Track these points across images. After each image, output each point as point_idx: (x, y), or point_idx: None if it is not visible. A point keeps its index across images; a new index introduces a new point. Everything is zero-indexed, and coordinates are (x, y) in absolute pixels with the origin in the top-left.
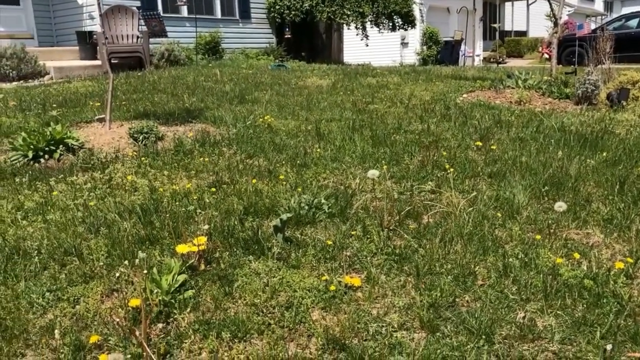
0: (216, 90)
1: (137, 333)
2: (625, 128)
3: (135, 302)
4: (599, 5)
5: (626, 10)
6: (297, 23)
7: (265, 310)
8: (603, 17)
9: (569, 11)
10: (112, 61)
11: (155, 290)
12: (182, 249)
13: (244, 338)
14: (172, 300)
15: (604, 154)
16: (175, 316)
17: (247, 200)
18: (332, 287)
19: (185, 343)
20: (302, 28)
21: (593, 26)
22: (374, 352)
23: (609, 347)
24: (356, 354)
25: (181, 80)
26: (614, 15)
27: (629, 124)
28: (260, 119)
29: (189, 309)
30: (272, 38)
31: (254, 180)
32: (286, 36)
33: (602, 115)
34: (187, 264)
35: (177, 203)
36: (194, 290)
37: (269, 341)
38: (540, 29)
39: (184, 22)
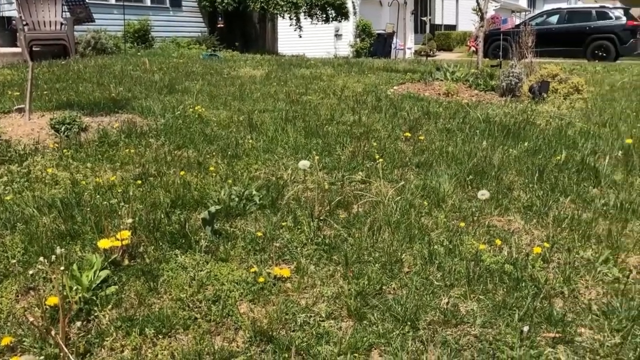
0: (145, 79)
1: (54, 332)
2: (545, 119)
3: (53, 300)
4: (523, 2)
5: (548, 7)
6: (230, 12)
7: (191, 305)
8: (527, 12)
9: (495, 6)
10: (34, 49)
11: (75, 287)
12: (104, 244)
13: (169, 334)
14: (94, 297)
15: (525, 143)
16: (97, 313)
17: (175, 193)
18: (261, 279)
19: (107, 341)
20: (235, 17)
21: (517, 21)
22: (302, 342)
23: (525, 328)
24: (283, 345)
25: (108, 69)
26: (537, 12)
27: (548, 115)
28: (191, 109)
29: (111, 306)
30: (204, 27)
31: (183, 172)
32: (219, 25)
33: (524, 107)
34: (110, 260)
35: (100, 196)
36: (117, 287)
37: (195, 336)
38: (469, 23)
39: (112, 9)
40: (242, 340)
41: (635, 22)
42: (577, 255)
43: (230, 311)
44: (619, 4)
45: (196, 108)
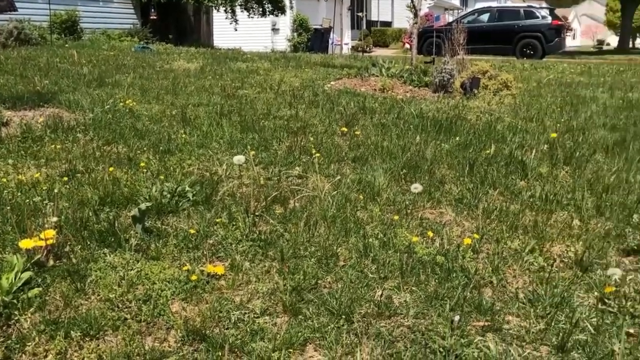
0: (73, 72)
1: None
2: (476, 114)
3: None
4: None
5: (479, 5)
6: (163, 4)
7: (121, 305)
8: (459, 10)
9: (429, 4)
10: None
11: None
12: (26, 244)
13: (97, 336)
14: (14, 301)
15: (457, 138)
16: (17, 317)
17: (104, 190)
18: (194, 277)
19: (29, 346)
20: (169, 9)
21: (450, 19)
22: (236, 339)
23: (456, 318)
24: (216, 343)
25: (32, 61)
26: (469, 10)
27: (479, 110)
28: (121, 104)
29: (33, 309)
30: (137, 19)
31: (112, 169)
32: (152, 17)
33: (456, 103)
34: (34, 260)
35: (22, 195)
36: (40, 289)
37: (125, 337)
38: (404, 20)
39: None
40: (174, 340)
41: (560, 22)
42: (505, 246)
43: (161, 310)
44: (544, 4)
45: (127, 102)
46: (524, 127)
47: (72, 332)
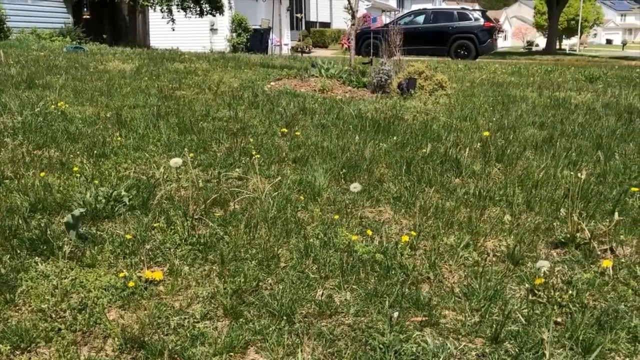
0: None
1: None
2: (413, 114)
3: None
4: (392, 1)
5: (416, 7)
6: (96, 3)
7: (54, 315)
8: (396, 12)
9: (367, 5)
10: None
11: None
12: None
13: (28, 348)
14: None
15: (395, 138)
16: None
17: (35, 196)
18: (131, 284)
19: None
20: (103, 8)
21: (387, 20)
22: (175, 345)
23: (395, 314)
24: (156, 350)
25: None
26: (405, 11)
27: (415, 110)
28: (53, 106)
29: None
30: (69, 18)
31: (43, 174)
32: (85, 16)
33: (393, 103)
34: None
35: None
36: None
37: (59, 348)
38: (342, 21)
39: None
40: (111, 348)
41: (491, 24)
42: (441, 242)
43: (98, 319)
44: (477, 6)
45: (59, 104)
46: (458, 126)
47: (1, 345)
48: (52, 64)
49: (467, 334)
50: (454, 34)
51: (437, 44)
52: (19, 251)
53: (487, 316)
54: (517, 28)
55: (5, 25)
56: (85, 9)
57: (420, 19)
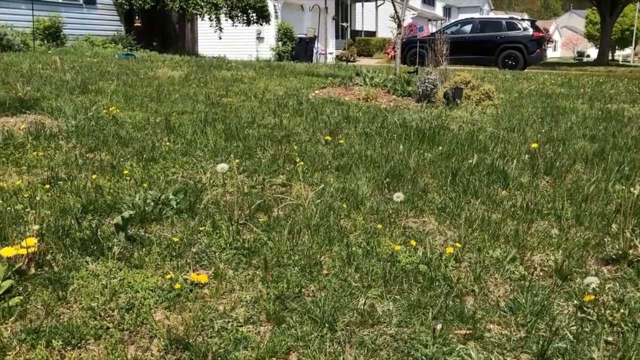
0: (55, 79)
1: None
2: (459, 124)
3: None
4: (439, 10)
5: (463, 16)
6: (147, 11)
7: (103, 314)
8: (442, 21)
9: (412, 14)
10: None
11: None
12: (7, 252)
13: (79, 345)
14: None
15: (440, 147)
16: None
17: (87, 198)
18: (177, 286)
19: (9, 355)
20: (153, 16)
21: (433, 29)
22: (219, 348)
23: (438, 326)
24: (200, 352)
25: (14, 67)
26: (452, 20)
27: (461, 120)
28: (105, 111)
29: (14, 317)
30: (121, 26)
31: (95, 176)
32: (136, 24)
33: (439, 112)
34: (15, 268)
35: (4, 202)
36: (21, 297)
37: (107, 346)
38: (388, 30)
39: (19, 3)
40: (157, 348)
41: (541, 34)
42: (487, 255)
43: (144, 319)
44: (526, 16)
45: (110, 109)
46: (505, 137)
47: (53, 341)
48: (105, 70)
49: (512, 349)
50: (502, 44)
51: (484, 54)
52: (71, 250)
53: (533, 332)
54: (567, 38)
55: (61, 33)
56: (136, 17)
57: (468, 28)
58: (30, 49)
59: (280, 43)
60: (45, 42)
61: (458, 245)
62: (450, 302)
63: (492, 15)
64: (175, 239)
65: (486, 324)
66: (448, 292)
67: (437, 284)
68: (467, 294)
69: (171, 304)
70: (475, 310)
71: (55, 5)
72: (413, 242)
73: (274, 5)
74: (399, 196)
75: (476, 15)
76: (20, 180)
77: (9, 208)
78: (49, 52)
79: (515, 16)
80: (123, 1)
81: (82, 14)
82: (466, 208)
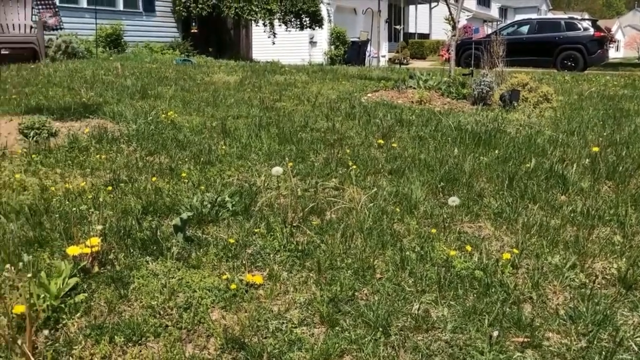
0: (117, 84)
1: (21, 342)
2: (516, 127)
3: (19, 309)
4: (494, 11)
5: (519, 17)
6: (204, 17)
7: (162, 312)
8: (498, 22)
9: (467, 16)
10: (2, 52)
11: (43, 295)
12: (73, 250)
13: (139, 341)
14: (62, 305)
15: (496, 151)
16: (65, 322)
17: (146, 199)
18: (233, 286)
19: (75, 350)
20: (209, 23)
21: (489, 31)
22: (274, 349)
23: (495, 333)
24: (255, 352)
25: (79, 73)
26: (508, 21)
27: (518, 123)
28: (163, 115)
29: (79, 314)
30: (178, 32)
31: (154, 179)
32: (193, 31)
33: (495, 115)
34: (80, 267)
35: (69, 203)
36: (86, 294)
37: (166, 343)
38: (442, 32)
39: (83, 12)
40: (213, 347)
41: (602, 34)
42: (545, 261)
43: (202, 318)
44: (587, 16)
45: (169, 114)
46: (565, 140)
47: (116, 337)
48: (163, 76)
49: (572, 359)
50: (561, 45)
51: (542, 55)
52: (132, 250)
53: (595, 342)
54: (631, 38)
55: (122, 40)
56: (193, 24)
57: (525, 29)
58: (93, 55)
59: (332, 47)
60: (107, 49)
61: (515, 251)
62: (507, 309)
63: (550, 15)
64: (231, 240)
65: (545, 333)
66: (505, 298)
67: (493, 290)
68: (524, 301)
69: (227, 304)
70: (533, 318)
71: (116, 13)
72: (468, 248)
73: (327, 10)
74: (454, 200)
75: (533, 15)
76: (85, 182)
77: (74, 208)
78: (111, 58)
79: (574, 16)
80: (181, 8)
81: (142, 21)
82: (523, 213)
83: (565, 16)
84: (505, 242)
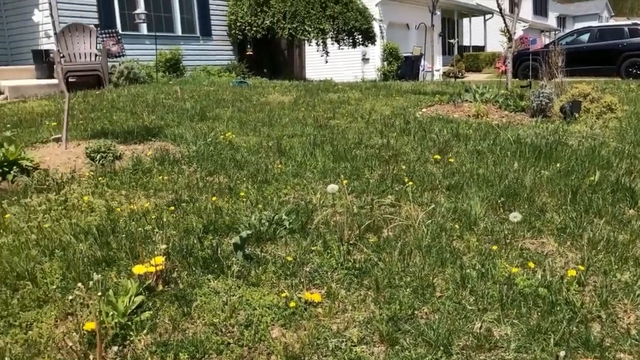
0: (176, 107)
1: (92, 357)
2: (578, 139)
3: (90, 326)
4: (552, 21)
5: (578, 25)
6: (258, 40)
7: (224, 330)
8: (556, 32)
9: (523, 26)
10: (70, 80)
11: (111, 313)
12: (139, 269)
13: (203, 358)
14: (129, 322)
15: (558, 164)
16: (132, 338)
17: (207, 219)
18: (292, 304)
19: None
20: (263, 45)
21: (546, 41)
22: None
23: (562, 353)
24: None
25: (141, 98)
26: (567, 31)
27: (580, 135)
28: (221, 136)
29: (145, 331)
30: (234, 55)
31: (214, 198)
32: (248, 53)
33: (555, 127)
34: (145, 285)
35: (134, 223)
36: (151, 312)
37: None
38: (497, 43)
39: (144, 39)
40: None
41: None
42: (614, 278)
43: (262, 336)
44: None
45: (227, 134)
46: (631, 152)
47: (180, 354)
48: (220, 98)
49: None
50: (625, 52)
51: (604, 64)
52: (194, 268)
53: None
54: None
55: (181, 64)
56: (248, 46)
57: (585, 37)
58: (154, 80)
59: (385, 63)
60: (167, 73)
61: (581, 268)
62: (574, 328)
63: (612, 22)
64: (289, 258)
65: (616, 353)
66: (571, 317)
67: (558, 308)
68: (592, 320)
69: (287, 322)
70: (602, 337)
71: (175, 39)
72: (531, 264)
73: (380, 26)
74: (515, 216)
75: (594, 23)
76: (148, 203)
77: (139, 228)
78: (170, 82)
79: (638, 22)
80: (236, 32)
81: (199, 45)
82: (589, 228)
83: (629, 22)
84: (570, 259)
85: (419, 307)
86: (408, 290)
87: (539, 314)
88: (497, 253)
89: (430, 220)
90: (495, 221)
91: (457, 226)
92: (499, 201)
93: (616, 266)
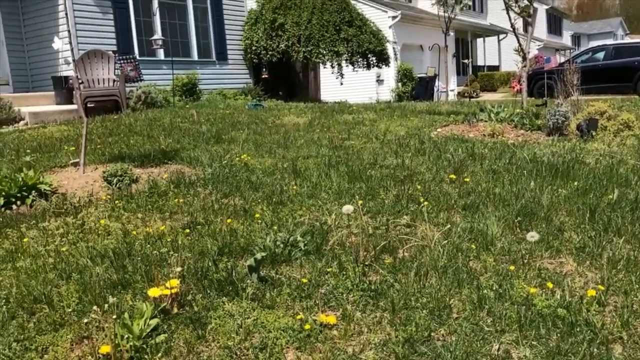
0: (192, 131)
1: None
2: (595, 157)
3: (105, 349)
4: (567, 40)
5: (593, 43)
6: (273, 63)
7: (239, 353)
8: (571, 50)
9: (538, 45)
10: (89, 105)
11: (127, 336)
12: (154, 292)
13: None
14: (144, 346)
15: (575, 183)
16: None
17: (222, 241)
18: (307, 326)
19: None
20: (278, 68)
21: (562, 59)
22: None
23: None
24: None
25: (157, 122)
26: (582, 49)
27: (598, 153)
28: (237, 158)
29: (160, 354)
30: (249, 78)
31: (229, 220)
32: (263, 76)
33: (572, 146)
34: (160, 308)
35: (150, 246)
36: (166, 334)
37: None
38: (512, 63)
39: (161, 64)
40: None
41: None
42: (635, 298)
43: (277, 359)
44: None
45: (242, 157)
46: None
47: None
48: (236, 121)
49: None
50: None
51: (620, 81)
52: (209, 291)
53: None
54: None
55: (197, 88)
56: (264, 69)
57: (600, 55)
58: (170, 104)
59: (399, 84)
60: (183, 97)
61: (601, 287)
62: (595, 350)
63: (627, 40)
64: (304, 280)
65: None
66: (592, 338)
67: (578, 329)
68: (613, 341)
69: (302, 345)
70: (624, 359)
71: (192, 63)
72: (550, 285)
73: (394, 48)
74: (532, 236)
75: (609, 41)
76: (164, 226)
77: (154, 251)
78: (187, 106)
79: None
80: (252, 56)
81: (215, 69)
82: (608, 247)
83: None
84: (590, 278)
85: (435, 328)
86: (424, 311)
87: (559, 335)
88: (515, 273)
89: (446, 241)
90: (512, 241)
91: (473, 246)
92: (516, 221)
93: (637, 286)
